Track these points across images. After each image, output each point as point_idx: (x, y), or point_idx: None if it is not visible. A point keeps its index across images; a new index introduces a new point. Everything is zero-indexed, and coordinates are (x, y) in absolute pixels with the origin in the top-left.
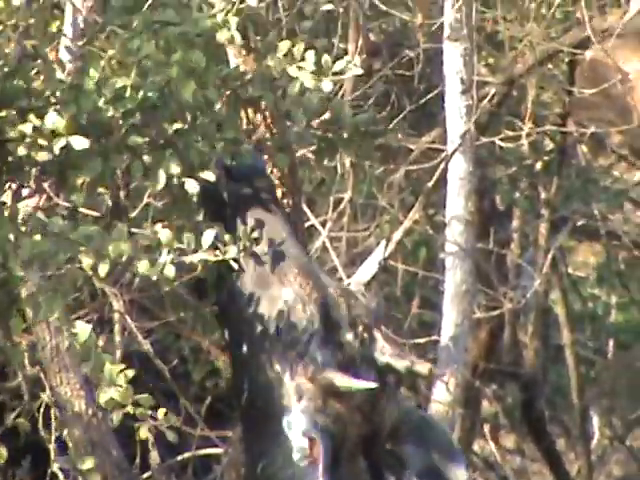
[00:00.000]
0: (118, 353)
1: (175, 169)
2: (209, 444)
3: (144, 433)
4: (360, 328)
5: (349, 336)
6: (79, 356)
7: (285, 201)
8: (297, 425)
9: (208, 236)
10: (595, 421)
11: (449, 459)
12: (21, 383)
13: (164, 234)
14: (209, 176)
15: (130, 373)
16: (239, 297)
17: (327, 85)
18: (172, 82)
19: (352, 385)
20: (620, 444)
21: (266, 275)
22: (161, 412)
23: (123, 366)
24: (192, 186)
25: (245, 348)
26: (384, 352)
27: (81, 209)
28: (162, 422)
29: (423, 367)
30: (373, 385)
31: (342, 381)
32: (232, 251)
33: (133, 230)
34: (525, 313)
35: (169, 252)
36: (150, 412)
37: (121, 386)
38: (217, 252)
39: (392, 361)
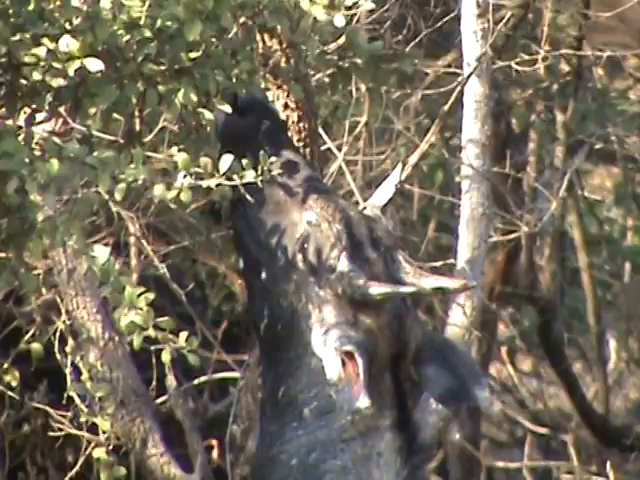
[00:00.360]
0: (134, 277)
1: (190, 99)
2: (226, 368)
3: (166, 357)
4: (382, 249)
5: (373, 255)
6: (97, 280)
7: (301, 125)
8: (330, 342)
9: (225, 161)
10: (612, 344)
11: (471, 382)
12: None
13: (180, 157)
14: (226, 107)
15: (150, 296)
16: (256, 224)
17: (339, 19)
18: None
19: (389, 291)
20: (637, 367)
21: (284, 202)
22: (182, 336)
23: (143, 289)
24: (208, 116)
25: (264, 274)
26: (407, 273)
27: (96, 133)
28: (183, 346)
29: (447, 281)
30: (411, 289)
31: (377, 289)
32: (250, 175)
33: (149, 154)
34: (541, 236)
35: (185, 176)
36: (171, 336)
37: (142, 309)
38: (234, 176)
39: (417, 281)
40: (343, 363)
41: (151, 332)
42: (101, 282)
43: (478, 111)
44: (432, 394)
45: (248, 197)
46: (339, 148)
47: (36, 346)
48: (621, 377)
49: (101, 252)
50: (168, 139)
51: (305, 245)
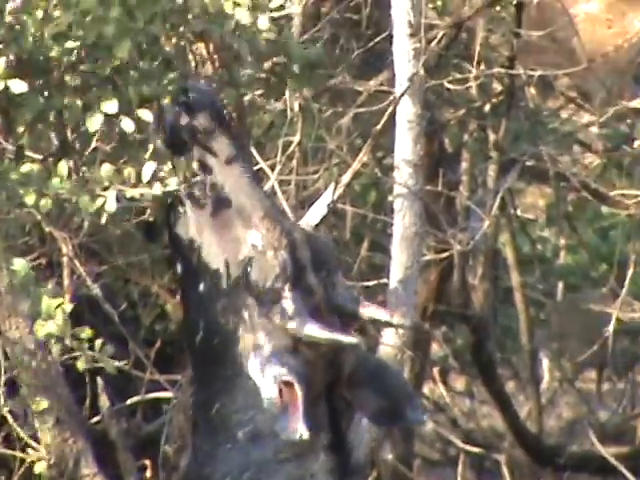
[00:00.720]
0: (67, 297)
1: (112, 108)
2: (159, 388)
3: (81, 365)
4: (323, 273)
5: (314, 281)
6: (19, 293)
7: None
8: (269, 369)
9: (148, 169)
10: (545, 363)
11: (404, 403)
12: None
13: (104, 168)
14: (147, 115)
15: (68, 307)
16: (196, 233)
17: (263, 22)
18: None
19: (321, 338)
20: (570, 386)
21: (226, 216)
22: (98, 343)
23: (61, 300)
24: (128, 125)
25: (202, 287)
26: (346, 298)
27: (27, 152)
28: (100, 355)
29: (385, 315)
30: (355, 340)
31: (311, 332)
32: (172, 183)
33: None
34: (474, 255)
35: (109, 187)
36: (88, 346)
37: (58, 319)
38: (157, 184)
39: (354, 308)
40: (280, 391)
41: (68, 342)
42: (22, 295)
43: (411, 131)
44: (365, 415)
45: (188, 203)
46: (272, 168)
47: None
48: (554, 396)
49: (20, 265)
50: (100, 157)
51: (248, 269)
